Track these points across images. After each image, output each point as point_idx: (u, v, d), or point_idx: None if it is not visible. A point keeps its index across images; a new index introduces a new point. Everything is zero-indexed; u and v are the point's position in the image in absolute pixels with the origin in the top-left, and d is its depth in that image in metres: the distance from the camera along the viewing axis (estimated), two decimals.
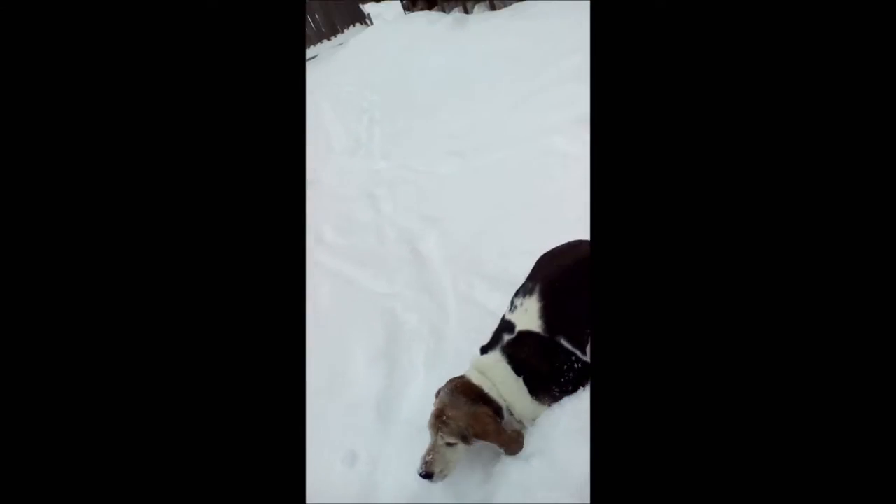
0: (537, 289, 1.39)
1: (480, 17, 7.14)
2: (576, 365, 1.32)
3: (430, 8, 7.24)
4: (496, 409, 1.28)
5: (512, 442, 1.26)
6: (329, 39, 8.98)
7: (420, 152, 3.36)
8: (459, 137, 3.33)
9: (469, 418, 1.24)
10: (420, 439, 1.34)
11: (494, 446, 1.28)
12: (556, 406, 1.33)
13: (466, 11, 7.95)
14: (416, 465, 1.26)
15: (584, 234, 1.76)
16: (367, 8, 9.56)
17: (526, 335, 1.34)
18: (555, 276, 1.41)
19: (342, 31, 9.06)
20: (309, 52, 8.45)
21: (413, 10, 7.37)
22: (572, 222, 2.00)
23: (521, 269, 1.56)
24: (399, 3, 7.72)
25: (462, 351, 1.62)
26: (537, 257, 1.56)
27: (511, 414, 1.31)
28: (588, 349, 1.37)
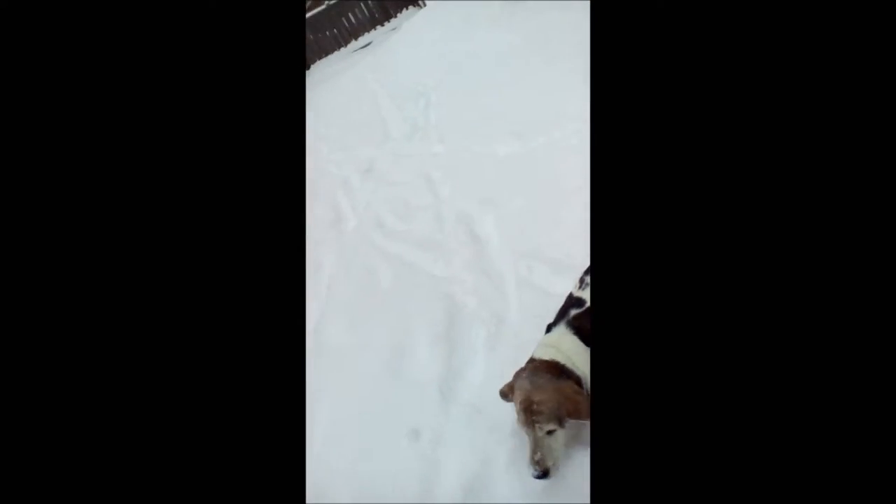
0: None
1: None
2: None
3: None
4: (577, 381, 1.22)
5: None
6: (382, 25, 9.03)
7: (477, 133, 3.32)
8: (517, 117, 3.25)
9: (558, 397, 1.15)
10: (481, 420, 1.35)
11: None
12: None
13: None
14: (477, 446, 1.27)
15: None
16: None
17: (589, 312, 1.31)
18: None
19: (395, 16, 9.07)
20: (363, 40, 8.56)
21: None
22: None
23: (583, 251, 1.50)
24: None
25: (522, 335, 1.61)
26: None
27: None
28: None
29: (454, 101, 4.12)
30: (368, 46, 8.04)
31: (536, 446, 1.15)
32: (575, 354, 1.24)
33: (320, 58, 9.20)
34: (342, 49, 9.11)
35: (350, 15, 9.04)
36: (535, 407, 1.15)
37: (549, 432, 1.15)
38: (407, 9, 9.11)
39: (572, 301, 1.38)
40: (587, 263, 1.46)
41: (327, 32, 9.14)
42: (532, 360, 1.28)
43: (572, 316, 1.32)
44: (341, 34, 9.18)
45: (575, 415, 1.16)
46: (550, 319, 1.43)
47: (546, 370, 1.21)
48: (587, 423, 1.19)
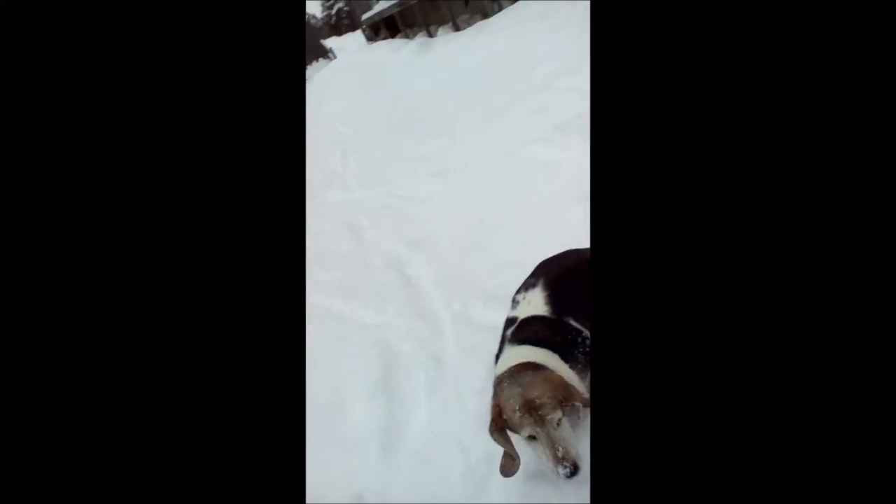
0: (540, 282, 1.37)
1: (445, 39, 7.28)
2: (588, 341, 1.27)
3: (392, 36, 7.37)
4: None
5: (584, 392, 1.13)
6: None
7: (400, 177, 3.34)
8: (438, 158, 3.32)
9: (552, 385, 1.09)
10: (429, 469, 1.26)
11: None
12: None
13: (430, 35, 8.11)
14: (426, 495, 1.18)
15: (572, 238, 1.74)
16: (328, 42, 9.72)
17: (531, 318, 1.30)
18: (556, 271, 1.41)
19: (306, 68, 9.16)
20: None
21: (376, 40, 7.50)
22: (560, 229, 1.99)
23: (515, 282, 1.52)
24: (361, 35, 7.85)
25: (462, 373, 1.56)
26: (530, 269, 1.52)
27: None
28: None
29: (373, 148, 4.15)
30: None
31: (553, 444, 1.06)
32: (536, 356, 1.18)
33: None
34: None
35: None
36: (536, 402, 1.06)
37: (558, 423, 1.07)
38: (317, 60, 9.25)
39: (509, 323, 1.37)
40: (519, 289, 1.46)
41: None
42: (503, 373, 1.20)
43: (511, 332, 1.31)
44: None
45: (570, 398, 1.10)
46: (487, 352, 1.40)
47: (525, 369, 1.15)
48: (581, 412, 1.14)
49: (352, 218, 3.10)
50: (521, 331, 1.28)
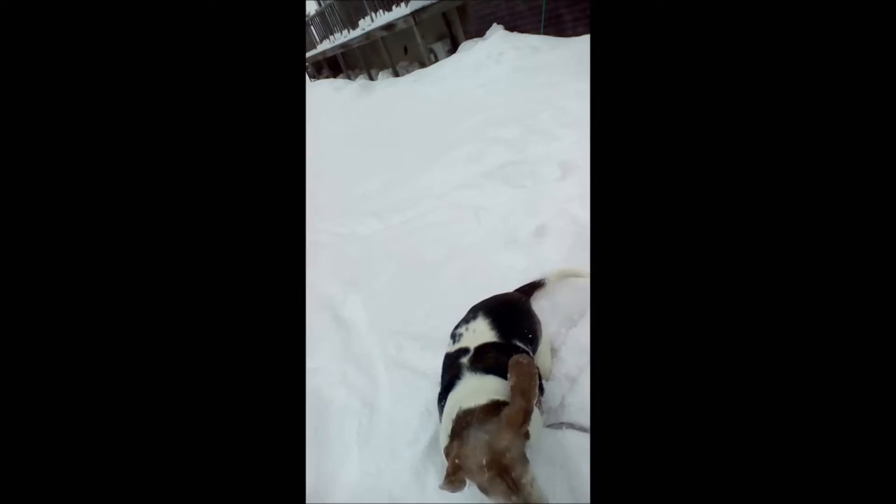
0: (479, 314, 1.41)
1: (385, 83, 7.47)
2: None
3: (335, 76, 7.45)
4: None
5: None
6: None
7: (335, 216, 3.30)
8: (375, 198, 3.34)
9: (516, 431, 0.95)
10: None
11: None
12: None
13: (371, 78, 8.30)
14: None
15: (502, 280, 1.80)
16: None
17: (486, 346, 1.29)
18: (492, 303, 1.48)
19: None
20: None
21: (318, 78, 7.55)
22: (491, 271, 2.05)
23: (450, 323, 1.53)
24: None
25: (395, 420, 1.53)
26: (464, 311, 1.55)
27: None
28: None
29: (311, 184, 4.09)
30: None
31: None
32: (496, 392, 1.08)
33: None
34: None
35: None
36: (507, 458, 0.92)
37: (532, 484, 0.93)
38: None
39: (454, 357, 1.31)
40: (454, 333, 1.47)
41: None
42: (464, 416, 1.05)
43: (468, 360, 1.24)
44: None
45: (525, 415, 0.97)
46: (421, 398, 1.38)
47: (490, 412, 1.01)
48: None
49: None
50: (480, 359, 1.24)
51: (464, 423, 1.01)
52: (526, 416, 0.96)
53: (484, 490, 0.96)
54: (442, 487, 0.99)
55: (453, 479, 0.97)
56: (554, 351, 1.56)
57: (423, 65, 7.50)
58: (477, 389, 1.11)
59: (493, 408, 1.03)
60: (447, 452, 1.02)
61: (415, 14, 6.68)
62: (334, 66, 11.41)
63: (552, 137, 3.04)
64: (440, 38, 7.76)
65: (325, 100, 6.45)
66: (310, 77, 7.85)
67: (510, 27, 6.09)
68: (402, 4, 6.77)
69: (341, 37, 9.02)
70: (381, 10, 7.43)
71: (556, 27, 5.52)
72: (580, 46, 4.52)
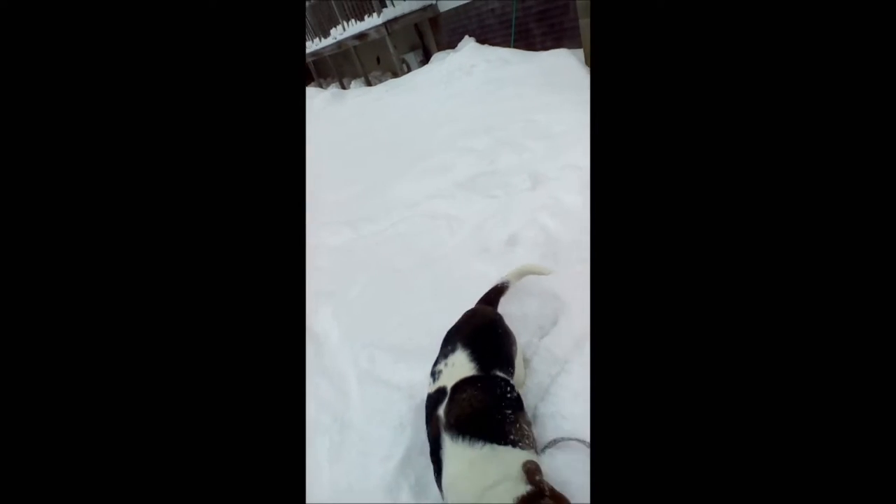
0: (458, 345, 1.35)
1: (357, 92, 7.44)
2: (513, 392, 1.25)
3: (306, 84, 7.37)
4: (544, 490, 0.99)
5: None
6: None
7: (311, 224, 3.25)
8: (347, 207, 3.30)
9: None
10: None
11: None
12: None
13: (343, 87, 8.27)
14: None
15: (476, 288, 1.80)
16: None
17: (461, 384, 1.23)
18: (468, 331, 1.42)
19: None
20: None
21: None
22: (464, 280, 2.05)
23: (423, 333, 1.52)
24: None
25: (368, 436, 1.50)
26: (437, 320, 1.54)
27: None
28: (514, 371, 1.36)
29: None
30: None
31: None
32: (493, 471, 1.03)
33: None
34: None
35: None
36: None
37: None
38: None
39: (439, 394, 1.26)
40: (427, 346, 1.45)
41: None
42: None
43: (444, 412, 1.18)
44: None
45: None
46: (395, 413, 1.35)
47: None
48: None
49: None
50: (455, 412, 1.16)
51: None
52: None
53: None
54: None
55: None
56: (526, 361, 1.56)
57: (395, 74, 7.51)
58: (509, 462, 1.05)
59: (537, 495, 0.97)
60: None
61: (387, 24, 6.69)
62: (306, 74, 11.33)
63: (522, 149, 3.09)
64: (413, 48, 7.80)
65: None
66: None
67: (481, 40, 6.18)
68: (375, 15, 6.77)
69: (312, 45, 8.95)
70: (353, 20, 7.41)
71: (526, 41, 5.64)
72: (549, 60, 4.62)
